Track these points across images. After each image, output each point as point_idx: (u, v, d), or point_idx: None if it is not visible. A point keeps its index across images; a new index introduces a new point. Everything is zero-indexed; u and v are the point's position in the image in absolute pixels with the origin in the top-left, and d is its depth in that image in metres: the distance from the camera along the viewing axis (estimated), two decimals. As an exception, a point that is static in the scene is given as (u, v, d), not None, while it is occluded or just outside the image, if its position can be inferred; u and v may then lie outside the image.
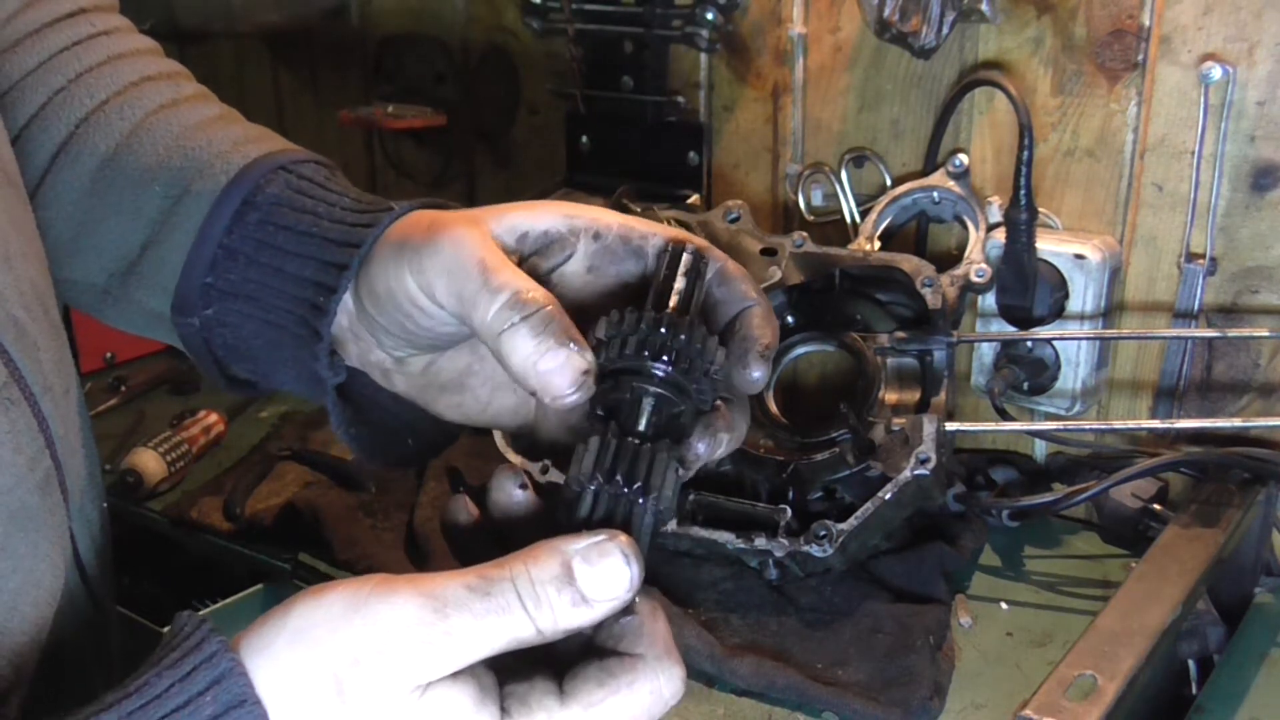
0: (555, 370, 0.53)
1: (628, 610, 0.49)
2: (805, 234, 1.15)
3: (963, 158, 1.20)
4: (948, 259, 1.22)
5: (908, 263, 1.10)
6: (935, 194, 1.21)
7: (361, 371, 0.67)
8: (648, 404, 0.53)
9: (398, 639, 0.46)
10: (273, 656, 0.47)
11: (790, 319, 1.19)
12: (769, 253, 1.15)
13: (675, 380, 0.53)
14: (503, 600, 0.47)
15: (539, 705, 0.47)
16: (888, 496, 0.99)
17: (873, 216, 1.23)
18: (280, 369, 0.68)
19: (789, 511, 1.03)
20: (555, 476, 1.10)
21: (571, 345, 0.53)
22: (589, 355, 0.54)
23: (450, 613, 0.46)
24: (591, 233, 0.61)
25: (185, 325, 0.69)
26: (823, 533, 0.99)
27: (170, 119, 0.73)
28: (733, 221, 1.17)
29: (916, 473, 0.99)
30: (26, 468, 0.58)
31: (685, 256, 0.58)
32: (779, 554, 1.01)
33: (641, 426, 0.52)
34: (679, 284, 0.56)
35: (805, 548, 0.99)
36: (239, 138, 0.72)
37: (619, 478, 0.50)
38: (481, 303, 0.55)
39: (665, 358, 0.52)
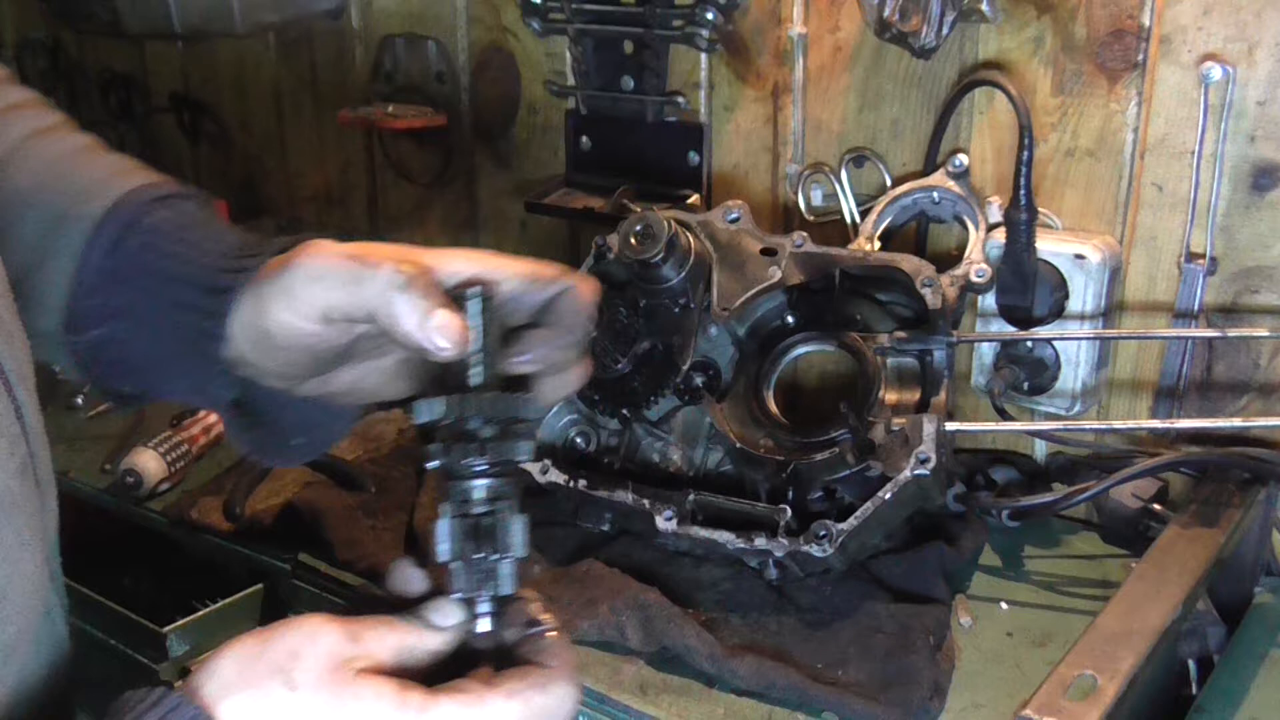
0: (442, 327, 0.60)
1: (535, 624, 0.62)
2: (805, 234, 1.15)
3: (963, 158, 1.19)
4: (948, 259, 1.22)
5: (908, 263, 1.09)
6: (935, 194, 1.21)
7: (249, 380, 0.70)
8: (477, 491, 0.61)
9: (319, 631, 0.56)
10: (223, 684, 0.55)
11: (790, 319, 1.18)
12: (769, 253, 1.15)
13: (492, 471, 0.61)
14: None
15: (468, 687, 0.57)
16: (888, 496, 0.99)
17: (873, 216, 1.23)
18: (171, 382, 0.73)
19: (789, 511, 1.03)
20: (555, 476, 1.10)
21: (449, 307, 0.60)
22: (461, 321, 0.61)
23: (353, 618, 0.58)
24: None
25: (76, 343, 0.72)
26: (823, 533, 0.99)
27: (40, 147, 0.76)
28: (733, 221, 1.17)
29: (916, 473, 0.99)
30: (7, 452, 0.60)
31: (468, 305, 0.62)
32: (779, 554, 1.01)
33: (478, 498, 0.61)
34: (471, 351, 0.61)
35: (805, 548, 0.99)
36: (114, 167, 0.76)
37: (474, 554, 0.60)
38: (365, 280, 0.61)
39: (475, 460, 0.60)
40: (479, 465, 0.61)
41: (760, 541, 1.01)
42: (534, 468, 1.11)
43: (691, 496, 1.06)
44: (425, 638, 0.59)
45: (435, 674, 0.58)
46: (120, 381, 0.74)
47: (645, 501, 1.06)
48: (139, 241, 0.70)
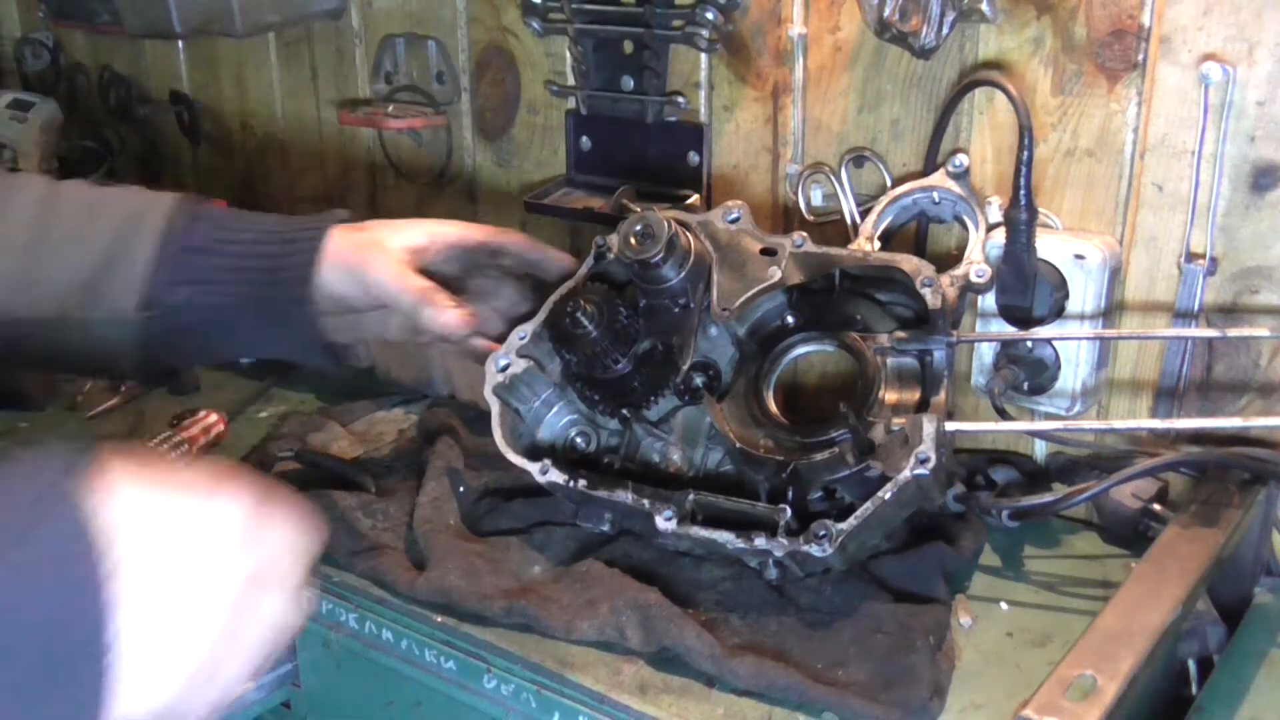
0: (448, 322, 1.06)
1: None
2: (805, 234, 1.15)
3: (963, 158, 1.19)
4: (948, 259, 1.22)
5: (908, 263, 1.09)
6: (935, 194, 1.21)
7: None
8: None
9: None
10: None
11: (790, 319, 1.19)
12: (769, 253, 1.15)
13: None
14: None
15: None
16: (887, 496, 0.99)
17: (873, 216, 1.22)
18: (248, 337, 1.03)
19: (789, 511, 1.03)
20: (555, 476, 1.10)
21: (454, 307, 1.07)
22: (466, 309, 1.08)
23: None
24: (449, 243, 1.12)
25: (152, 317, 0.96)
26: (823, 533, 0.99)
27: (69, 186, 1.02)
28: (733, 221, 1.17)
29: (916, 473, 0.99)
30: None
31: None
32: (779, 554, 1.01)
33: None
34: None
35: (805, 548, 0.99)
36: (148, 190, 1.03)
37: None
38: (404, 296, 1.07)
39: None
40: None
41: (760, 541, 1.01)
42: (534, 467, 1.11)
43: (691, 496, 1.06)
44: None
45: None
46: (188, 343, 1.01)
47: (645, 501, 1.06)
48: (208, 224, 1.01)
